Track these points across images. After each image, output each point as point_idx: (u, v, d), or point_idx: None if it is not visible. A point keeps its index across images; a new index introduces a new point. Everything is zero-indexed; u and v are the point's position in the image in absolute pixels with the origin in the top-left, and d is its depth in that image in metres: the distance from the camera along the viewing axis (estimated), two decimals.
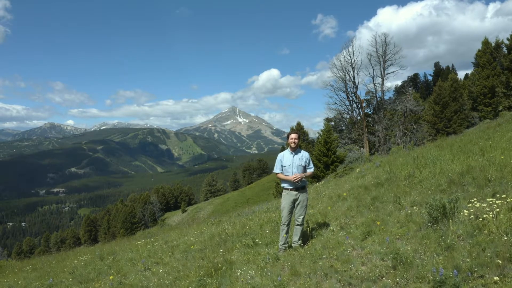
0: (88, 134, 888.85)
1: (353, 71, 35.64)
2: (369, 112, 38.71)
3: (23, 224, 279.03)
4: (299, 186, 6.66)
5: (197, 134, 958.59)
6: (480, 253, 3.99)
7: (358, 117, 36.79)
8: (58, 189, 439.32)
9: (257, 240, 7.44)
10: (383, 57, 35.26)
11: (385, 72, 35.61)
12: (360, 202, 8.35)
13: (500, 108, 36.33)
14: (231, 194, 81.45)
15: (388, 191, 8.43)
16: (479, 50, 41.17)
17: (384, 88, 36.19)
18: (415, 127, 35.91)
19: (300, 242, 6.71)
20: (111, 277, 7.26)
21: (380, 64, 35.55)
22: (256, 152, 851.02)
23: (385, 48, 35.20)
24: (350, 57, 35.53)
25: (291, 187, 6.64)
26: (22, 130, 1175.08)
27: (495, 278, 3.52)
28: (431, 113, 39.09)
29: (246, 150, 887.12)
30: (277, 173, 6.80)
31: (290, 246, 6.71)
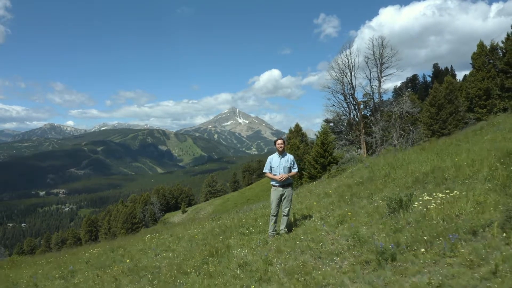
0: (88, 135, 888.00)
1: (351, 74, 36.38)
2: (367, 114, 39.68)
3: (23, 225, 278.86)
4: (285, 184, 8.03)
5: (197, 135, 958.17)
6: (418, 234, 5.24)
7: (356, 119, 37.81)
8: (58, 190, 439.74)
9: (251, 229, 8.92)
10: (380, 59, 35.93)
11: (382, 75, 36.31)
12: (342, 198, 9.68)
13: (495, 110, 37.40)
14: (231, 195, 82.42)
15: (366, 189, 9.78)
16: (474, 53, 42.24)
17: (381, 90, 37.05)
18: (411, 128, 36.92)
19: (286, 229, 8.06)
20: (128, 260, 8.55)
21: (377, 67, 36.33)
22: (256, 153, 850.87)
23: (382, 50, 35.85)
24: (348, 59, 36.35)
25: (278, 185, 8.07)
26: (22, 131, 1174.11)
27: (422, 250, 4.79)
28: (427, 115, 40.14)
29: (246, 151, 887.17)
30: (265, 173, 8.19)
31: (278, 233, 8.03)
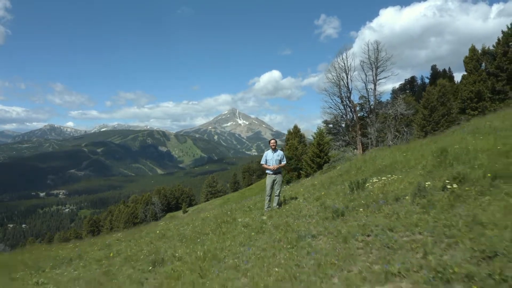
0: (88, 136, 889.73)
1: (347, 77, 38.04)
2: (363, 116, 41.70)
3: (23, 225, 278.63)
4: (276, 172, 10.79)
5: (197, 136, 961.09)
6: (361, 201, 7.90)
7: (352, 121, 39.93)
8: (58, 191, 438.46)
9: (251, 207, 11.62)
10: (375, 63, 37.61)
11: (377, 78, 38.05)
12: (323, 186, 12.49)
13: (486, 112, 39.54)
14: (231, 195, 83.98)
15: (342, 178, 12.55)
16: (466, 57, 44.38)
17: (377, 92, 39.07)
18: (406, 129, 39.08)
19: (277, 206, 10.95)
20: (157, 231, 11.17)
21: (373, 70, 38.22)
22: (256, 153, 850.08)
23: (377, 54, 37.55)
24: (344, 63, 38.02)
25: (271, 173, 10.87)
26: (22, 132, 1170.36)
27: (361, 209, 7.39)
28: (421, 117, 42.36)
29: (246, 152, 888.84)
30: (262, 164, 10.99)
31: (272, 209, 10.75)
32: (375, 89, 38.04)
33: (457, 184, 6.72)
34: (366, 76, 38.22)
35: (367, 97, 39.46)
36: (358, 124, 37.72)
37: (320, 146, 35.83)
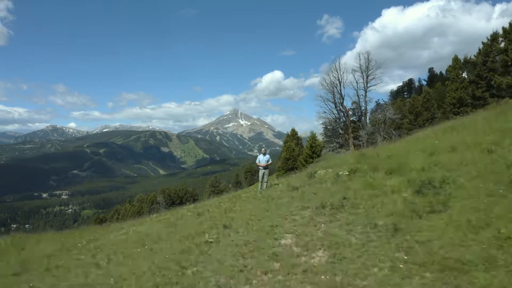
0: (90, 136, 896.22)
1: (340, 84, 41.35)
2: (355, 120, 46.35)
3: (26, 226, 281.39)
4: (265, 168, 16.42)
5: (199, 136, 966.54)
6: (309, 182, 13.21)
7: (345, 124, 44.52)
8: (60, 192, 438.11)
9: (250, 190, 17.14)
10: (366, 72, 41.64)
11: (368, 85, 41.71)
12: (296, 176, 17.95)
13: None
14: (234, 194, 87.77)
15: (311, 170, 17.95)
16: (449, 66, 48.93)
17: (367, 98, 43.24)
18: (394, 133, 43.55)
19: (266, 189, 16.31)
20: (193, 209, 16.58)
21: (363, 78, 42.69)
22: (258, 154, 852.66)
23: (368, 64, 41.34)
24: (337, 72, 41.36)
25: (262, 168, 16.44)
26: (24, 132, 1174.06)
27: (307, 186, 12.66)
28: (407, 121, 47.20)
29: (248, 153, 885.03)
30: (256, 163, 16.67)
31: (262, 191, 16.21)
32: (365, 95, 41.86)
33: (349, 173, 12.15)
34: (357, 83, 42.08)
35: (358, 102, 43.89)
36: (350, 127, 41.76)
37: (313, 148, 40.52)
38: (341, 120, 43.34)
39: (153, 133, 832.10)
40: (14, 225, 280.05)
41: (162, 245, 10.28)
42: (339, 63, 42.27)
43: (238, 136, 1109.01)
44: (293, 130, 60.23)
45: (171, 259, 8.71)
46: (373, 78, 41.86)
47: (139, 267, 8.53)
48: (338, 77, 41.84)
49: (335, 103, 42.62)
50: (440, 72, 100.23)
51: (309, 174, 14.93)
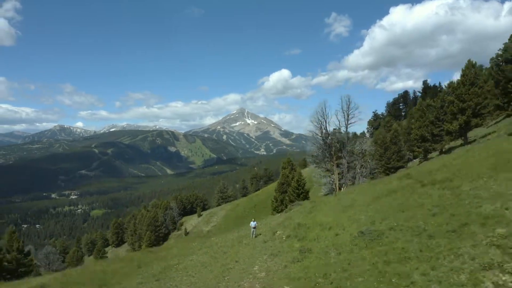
0: (97, 136, 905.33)
1: (326, 122, 48.49)
2: (338, 149, 52.97)
3: (37, 226, 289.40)
4: (253, 227, 24.85)
5: (206, 136, 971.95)
6: (274, 239, 19.54)
7: (330, 154, 51.05)
8: (69, 192, 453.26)
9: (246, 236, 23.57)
10: (347, 111, 48.65)
11: (348, 123, 48.50)
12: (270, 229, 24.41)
13: (429, 149, 50.50)
14: (241, 201, 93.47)
15: (282, 224, 24.29)
16: (415, 107, 55.48)
17: (348, 133, 50.37)
18: (369, 161, 49.47)
19: (254, 236, 24.37)
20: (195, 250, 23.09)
21: (345, 118, 49.30)
22: (265, 153, 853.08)
23: (349, 105, 48.26)
24: (323, 112, 48.51)
25: (252, 227, 24.80)
26: (31, 132, 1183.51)
27: (269, 240, 18.92)
28: (378, 154, 53.43)
29: (255, 152, 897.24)
30: (250, 226, 24.60)
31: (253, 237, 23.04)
32: (346, 130, 48.92)
33: (291, 235, 18.51)
34: (339, 122, 49.13)
35: (340, 136, 50.55)
36: (334, 157, 48.52)
37: (299, 182, 46.92)
38: (328, 149, 50.22)
39: (160, 133, 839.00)
40: (25, 225, 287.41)
41: (210, 268, 20.47)
42: (325, 106, 49.26)
43: (245, 135, 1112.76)
44: (288, 159, 68.10)
45: (216, 275, 18.22)
46: (353, 117, 48.73)
47: (207, 276, 18.41)
48: (324, 117, 49.08)
49: (322, 137, 49.39)
50: (434, 84, 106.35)
51: (272, 232, 22.93)
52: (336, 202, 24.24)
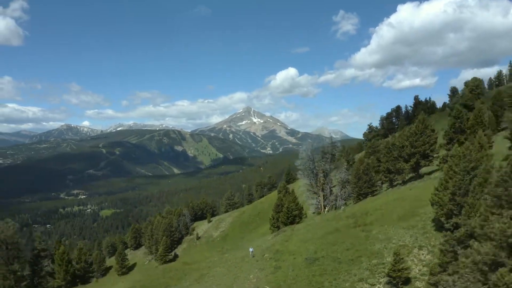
0: (104, 135, 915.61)
1: (313, 161, 59.87)
2: (323, 177, 64.19)
3: (48, 226, 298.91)
4: (251, 251, 36.06)
5: (212, 135, 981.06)
6: (262, 259, 31.64)
7: (317, 183, 61.97)
8: (78, 191, 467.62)
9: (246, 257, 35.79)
10: (329, 154, 60.10)
11: (330, 161, 60.45)
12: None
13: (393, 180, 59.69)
14: (246, 208, 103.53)
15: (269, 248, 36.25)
16: (384, 146, 66.66)
17: (331, 167, 61.16)
18: (347, 186, 59.88)
19: (252, 256, 36.29)
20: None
21: (328, 157, 60.13)
22: (271, 152, 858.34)
23: (331, 148, 60.87)
24: (311, 153, 60.42)
25: (251, 251, 36.07)
26: (38, 132, 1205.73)
27: (257, 260, 31.04)
28: (353, 182, 63.56)
29: (261, 151, 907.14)
30: (249, 250, 36.73)
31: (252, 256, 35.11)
32: (329, 166, 60.26)
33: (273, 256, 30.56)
34: (323, 159, 60.09)
35: (324, 169, 62.13)
36: (320, 184, 59.75)
37: (289, 209, 58.13)
38: (313, 179, 61.47)
39: (167, 132, 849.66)
40: (36, 225, 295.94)
41: (227, 276, 33.52)
42: (312, 146, 62.42)
43: (251, 134, 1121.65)
44: (284, 185, 79.68)
45: (230, 280, 30.90)
46: (334, 155, 61.85)
47: (225, 281, 33.13)
48: (312, 154, 60.69)
49: (311, 170, 60.50)
50: (425, 99, 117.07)
51: (261, 255, 33.32)
52: (304, 234, 35.81)
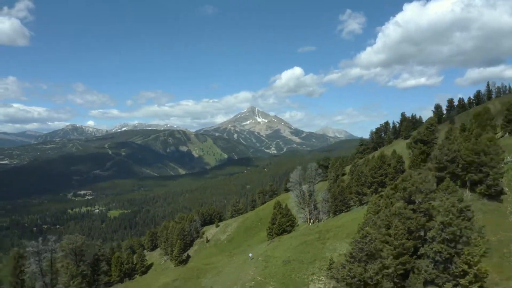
0: (110, 136, 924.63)
1: (301, 184, 75.02)
2: (308, 195, 77.88)
3: (57, 226, 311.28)
4: (251, 256, 52.81)
5: (217, 134, 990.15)
6: (260, 261, 48.31)
7: (305, 201, 75.60)
8: (84, 192, 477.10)
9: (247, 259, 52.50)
10: (314, 177, 75.81)
11: (314, 183, 76.33)
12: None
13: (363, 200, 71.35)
14: (249, 214, 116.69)
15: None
16: (356, 170, 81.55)
17: (314, 188, 76.25)
18: (326, 204, 73.22)
19: (251, 259, 52.28)
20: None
21: (313, 181, 75.87)
22: (275, 152, 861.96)
23: (315, 171, 76.44)
24: (299, 177, 75.47)
25: (250, 256, 52.66)
26: (44, 132, 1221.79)
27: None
28: (330, 201, 77.28)
29: (265, 150, 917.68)
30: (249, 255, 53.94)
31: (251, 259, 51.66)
32: (313, 188, 75.74)
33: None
34: (308, 182, 75.36)
35: (310, 189, 76.84)
36: (308, 201, 74.26)
37: (280, 224, 72.45)
38: (301, 197, 76.00)
39: (171, 132, 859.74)
40: (45, 226, 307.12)
41: (235, 272, 50.54)
42: (299, 171, 77.39)
43: (256, 133, 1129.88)
44: (279, 202, 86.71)
45: (238, 275, 48.17)
46: (317, 177, 77.75)
47: (234, 275, 50.01)
48: (300, 179, 76.17)
49: (301, 192, 75.51)
50: (412, 114, 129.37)
51: (257, 258, 49.78)
52: (286, 244, 51.82)
